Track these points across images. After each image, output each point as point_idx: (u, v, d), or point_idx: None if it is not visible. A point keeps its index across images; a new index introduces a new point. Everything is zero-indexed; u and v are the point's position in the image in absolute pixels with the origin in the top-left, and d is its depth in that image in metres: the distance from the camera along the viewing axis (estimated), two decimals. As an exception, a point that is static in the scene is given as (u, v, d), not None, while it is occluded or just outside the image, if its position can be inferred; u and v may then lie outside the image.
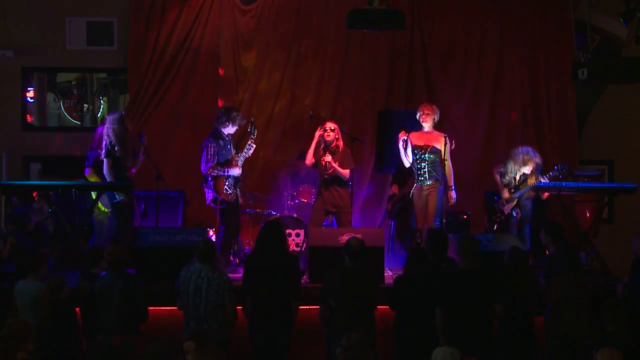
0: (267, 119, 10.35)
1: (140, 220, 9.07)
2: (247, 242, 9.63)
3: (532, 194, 9.15)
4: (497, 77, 10.71)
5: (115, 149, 8.60)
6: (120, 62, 10.53)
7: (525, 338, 6.58)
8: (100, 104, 10.94)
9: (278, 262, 6.56)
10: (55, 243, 8.76)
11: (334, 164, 8.83)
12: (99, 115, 10.96)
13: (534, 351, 6.63)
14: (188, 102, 10.39)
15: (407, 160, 8.84)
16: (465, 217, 9.88)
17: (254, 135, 8.78)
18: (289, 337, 6.64)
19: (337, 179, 8.90)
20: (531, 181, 9.03)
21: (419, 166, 8.80)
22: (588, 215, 9.97)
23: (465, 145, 10.44)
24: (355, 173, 9.45)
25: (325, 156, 8.88)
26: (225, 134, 8.81)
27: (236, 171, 8.76)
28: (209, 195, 8.82)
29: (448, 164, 8.73)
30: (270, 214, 9.65)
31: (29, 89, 10.74)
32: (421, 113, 8.83)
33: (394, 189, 9.92)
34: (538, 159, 9.11)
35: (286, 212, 9.67)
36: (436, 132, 8.89)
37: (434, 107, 8.92)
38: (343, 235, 7.94)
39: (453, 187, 8.79)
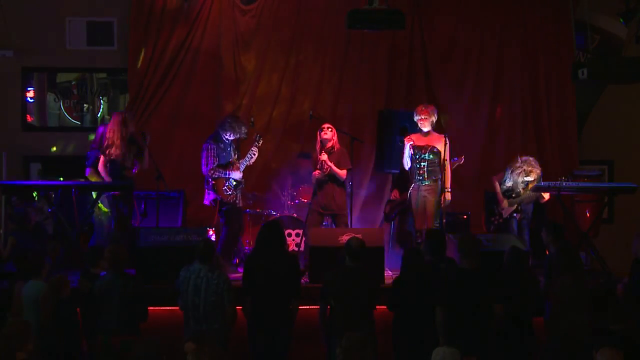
0: (267, 118, 10.35)
1: (140, 220, 9.07)
2: (247, 242, 9.63)
3: (533, 198, 9.16)
4: (497, 77, 10.71)
5: (111, 150, 8.61)
6: (120, 62, 10.53)
7: (525, 338, 6.58)
8: (100, 104, 10.94)
9: (278, 262, 6.57)
10: (55, 243, 8.75)
11: (329, 163, 8.84)
12: (99, 115, 10.95)
13: (533, 351, 6.62)
14: (188, 102, 10.38)
15: (408, 162, 8.85)
16: (465, 217, 9.88)
17: (258, 143, 8.81)
18: (289, 337, 6.64)
19: (332, 180, 8.91)
20: (532, 186, 9.06)
21: (417, 166, 8.81)
22: (588, 215, 9.98)
23: (465, 145, 10.44)
24: (355, 173, 9.46)
25: (321, 155, 8.88)
26: (226, 137, 8.82)
27: (237, 175, 8.76)
28: (210, 196, 8.83)
29: (447, 165, 8.74)
30: (270, 214, 9.65)
31: (29, 89, 10.73)
32: (419, 117, 8.83)
33: (395, 194, 9.92)
34: (538, 169, 9.13)
35: (286, 212, 9.67)
36: (436, 134, 8.91)
37: (431, 109, 8.90)
38: (343, 235, 7.95)
39: (449, 189, 8.79)
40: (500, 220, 9.20)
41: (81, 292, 6.58)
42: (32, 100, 10.81)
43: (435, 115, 8.91)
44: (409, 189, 9.00)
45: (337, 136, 9.12)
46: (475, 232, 9.42)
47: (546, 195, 9.15)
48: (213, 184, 8.75)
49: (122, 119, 8.76)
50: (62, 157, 10.46)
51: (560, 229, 7.38)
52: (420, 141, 8.83)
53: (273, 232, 6.74)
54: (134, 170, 8.93)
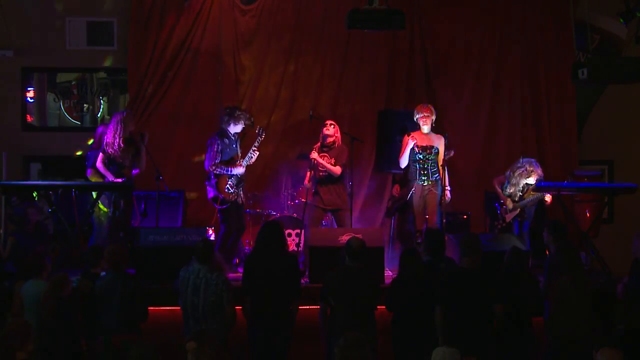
0: (267, 118, 10.34)
1: (140, 220, 9.07)
2: (247, 242, 9.62)
3: (536, 202, 9.16)
4: (497, 77, 10.71)
5: (110, 149, 8.63)
6: (120, 62, 10.53)
7: (525, 338, 6.58)
8: (100, 104, 10.94)
9: (278, 262, 6.57)
10: (55, 243, 8.75)
11: (319, 160, 8.84)
12: (99, 115, 10.95)
13: (533, 351, 6.62)
14: (188, 102, 10.38)
15: (406, 160, 8.86)
16: (465, 217, 9.88)
17: (261, 137, 8.81)
18: (288, 337, 6.64)
19: (331, 178, 8.92)
20: (534, 192, 9.07)
21: (422, 166, 8.82)
22: (588, 215, 9.98)
23: (465, 145, 10.45)
24: (355, 173, 9.46)
25: (311, 153, 8.90)
26: (232, 132, 8.82)
27: (240, 170, 8.77)
28: (210, 193, 8.84)
29: (444, 166, 8.75)
30: (270, 214, 9.65)
31: (29, 89, 10.73)
32: (420, 116, 8.87)
33: (396, 189, 9.92)
34: (540, 171, 9.13)
35: (286, 212, 9.67)
36: (434, 134, 8.95)
37: (431, 108, 8.94)
38: (343, 235, 7.96)
39: (448, 187, 8.80)
40: (504, 225, 9.21)
41: (81, 292, 6.58)
42: (32, 100, 10.81)
43: (435, 115, 8.93)
44: (409, 187, 9.01)
45: (340, 133, 9.12)
46: (475, 232, 9.44)
47: (548, 198, 9.15)
48: (215, 181, 8.75)
49: (121, 118, 8.77)
50: (62, 157, 10.45)
51: (562, 229, 7.38)
52: (422, 141, 8.84)
53: (273, 232, 6.74)
54: (133, 172, 8.93)
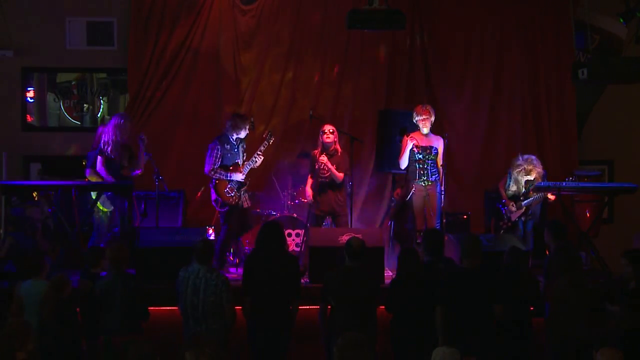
0: (267, 119, 10.34)
1: (140, 220, 9.07)
2: (247, 242, 9.62)
3: (540, 200, 9.15)
4: (497, 77, 10.70)
5: (108, 148, 8.64)
6: (120, 62, 10.53)
7: (525, 338, 6.58)
8: (100, 104, 10.94)
9: (278, 262, 6.57)
10: (55, 243, 8.76)
11: (329, 165, 8.86)
12: (99, 115, 10.95)
13: (533, 351, 6.63)
14: (188, 102, 10.38)
15: (406, 161, 8.87)
16: (465, 217, 9.88)
17: (268, 142, 8.81)
18: (288, 337, 6.64)
19: (332, 183, 8.93)
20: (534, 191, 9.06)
21: (421, 166, 8.82)
22: (588, 215, 9.98)
23: (465, 145, 10.46)
24: (355, 173, 9.46)
25: (321, 157, 8.90)
26: (234, 138, 8.83)
27: (239, 176, 8.76)
28: (212, 196, 8.85)
29: (444, 167, 8.76)
30: (270, 214, 9.65)
31: (29, 89, 10.73)
32: (420, 118, 8.89)
33: (397, 193, 9.91)
34: (540, 168, 9.11)
35: (286, 212, 9.67)
36: (433, 135, 8.97)
37: (430, 109, 8.94)
38: (343, 235, 7.95)
39: (443, 191, 8.80)
40: (509, 224, 9.19)
41: (81, 292, 6.58)
42: (32, 100, 10.80)
43: (434, 115, 8.93)
44: (409, 188, 9.01)
45: (338, 138, 9.14)
46: (475, 232, 9.44)
47: (552, 196, 9.14)
48: (216, 183, 8.76)
49: (119, 125, 8.77)
50: (62, 157, 10.45)
51: (562, 229, 7.38)
52: (422, 141, 8.85)
53: (273, 232, 6.74)
54: (134, 173, 8.93)
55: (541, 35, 10.74)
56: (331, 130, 9.00)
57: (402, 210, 9.62)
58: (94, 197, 8.71)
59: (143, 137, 9.00)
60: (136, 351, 4.72)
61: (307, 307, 6.99)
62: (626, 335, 5.77)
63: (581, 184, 9.39)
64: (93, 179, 8.91)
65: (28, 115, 10.76)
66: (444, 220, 8.78)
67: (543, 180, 9.10)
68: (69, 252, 8.60)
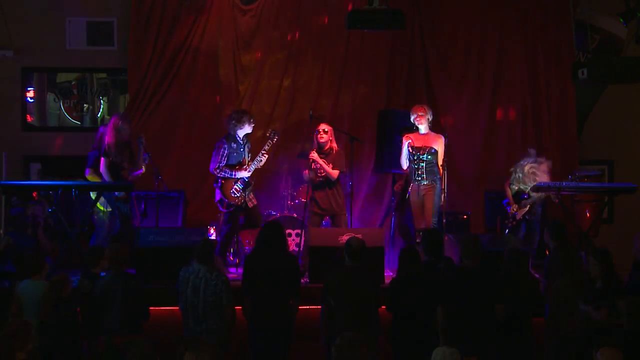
0: (267, 119, 10.34)
1: (140, 220, 9.07)
2: (247, 242, 9.63)
3: (543, 197, 9.14)
4: (497, 77, 10.70)
5: (112, 150, 8.63)
6: (120, 62, 10.53)
7: (525, 338, 6.58)
8: (100, 104, 10.94)
9: (278, 262, 6.56)
10: (55, 243, 8.76)
11: (319, 160, 8.84)
12: (99, 115, 10.96)
13: (533, 351, 6.62)
14: (188, 102, 10.39)
15: (406, 162, 8.87)
16: (465, 217, 9.88)
17: (272, 141, 8.80)
18: (289, 337, 6.64)
19: (329, 182, 8.93)
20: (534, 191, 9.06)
21: (416, 166, 8.82)
22: (588, 215, 9.98)
23: (465, 145, 10.45)
24: (355, 173, 9.46)
25: (312, 153, 8.89)
26: (240, 136, 8.82)
27: (244, 173, 8.75)
28: (217, 196, 8.83)
29: (444, 165, 8.75)
30: (270, 214, 9.64)
31: (29, 89, 10.73)
32: (415, 116, 8.90)
33: (398, 185, 9.90)
34: (545, 167, 9.08)
35: (286, 212, 9.67)
36: (433, 134, 8.92)
37: (426, 107, 8.95)
38: (343, 235, 7.95)
39: (445, 190, 8.79)
40: (514, 223, 9.18)
41: (81, 292, 6.58)
42: (32, 100, 10.81)
43: (431, 114, 8.93)
44: (399, 183, 9.03)
45: (335, 137, 9.13)
46: (475, 232, 9.44)
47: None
48: (222, 183, 8.75)
49: (117, 125, 8.76)
50: (62, 157, 10.45)
51: (562, 229, 7.38)
52: (418, 141, 8.84)
53: (273, 232, 6.73)
54: (135, 173, 8.92)
55: (541, 35, 10.73)
56: (325, 130, 9.00)
57: (403, 205, 9.61)
58: (93, 197, 8.70)
59: (142, 137, 8.99)
60: (136, 351, 4.71)
61: (307, 307, 6.99)
62: (628, 335, 5.76)
63: (581, 184, 9.39)
64: (94, 179, 8.91)
65: (28, 115, 10.76)
66: (444, 220, 8.77)
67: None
68: (69, 252, 8.60)
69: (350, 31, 9.48)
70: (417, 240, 8.54)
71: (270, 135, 8.93)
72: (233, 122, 8.80)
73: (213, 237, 9.22)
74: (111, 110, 10.81)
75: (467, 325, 6.11)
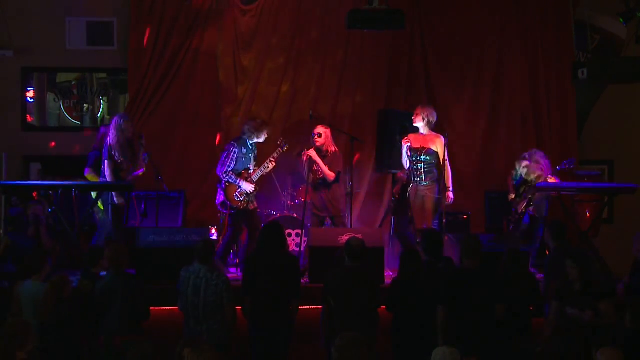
0: (267, 119, 10.32)
1: (140, 220, 9.06)
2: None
3: (544, 196, 9.13)
4: (497, 77, 10.70)
5: (114, 152, 8.62)
6: (120, 62, 10.53)
7: (525, 338, 6.58)
8: (100, 104, 10.94)
9: (278, 262, 6.57)
10: (55, 243, 8.75)
11: (317, 158, 8.83)
12: (99, 115, 10.96)
13: (533, 351, 6.62)
14: (188, 102, 10.39)
15: (407, 162, 8.88)
16: (465, 217, 9.88)
17: (282, 150, 8.82)
18: (289, 337, 6.64)
19: (326, 183, 8.94)
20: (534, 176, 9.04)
21: (415, 167, 8.83)
22: (588, 215, 9.98)
23: (465, 145, 10.45)
24: (355, 173, 9.46)
25: (309, 150, 8.88)
26: (251, 143, 8.83)
27: (249, 187, 8.76)
28: (220, 197, 8.82)
29: (447, 164, 8.74)
30: (270, 214, 9.65)
31: (29, 89, 10.73)
32: (413, 116, 8.91)
33: (397, 189, 9.91)
34: (541, 171, 9.07)
35: (286, 212, 9.67)
36: (433, 134, 8.92)
37: (425, 108, 8.94)
38: (343, 235, 7.95)
39: (451, 189, 8.78)
40: (517, 216, 9.13)
41: (82, 292, 6.58)
42: (32, 100, 10.81)
43: (432, 115, 8.89)
44: (398, 183, 9.03)
45: (335, 137, 9.14)
46: (475, 232, 9.44)
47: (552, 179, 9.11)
48: (226, 186, 8.74)
49: (119, 125, 8.75)
50: (62, 157, 10.45)
51: (562, 229, 7.38)
52: (417, 142, 8.85)
53: (273, 232, 6.74)
54: (136, 173, 8.92)
55: (541, 35, 10.73)
56: (319, 134, 9.04)
57: (402, 207, 9.61)
58: (94, 197, 8.70)
59: (142, 136, 8.98)
60: (137, 351, 4.71)
61: (307, 307, 6.98)
62: (633, 336, 5.77)
63: (581, 184, 9.40)
64: (93, 178, 8.90)
65: (28, 115, 10.76)
66: (444, 220, 8.77)
67: (548, 176, 9.06)
68: (69, 252, 8.59)
69: (350, 31, 9.48)
70: (417, 240, 8.55)
71: (280, 144, 8.96)
72: (251, 130, 8.80)
73: (214, 238, 9.23)
74: (111, 110, 10.81)
75: (467, 325, 6.11)
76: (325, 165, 8.92)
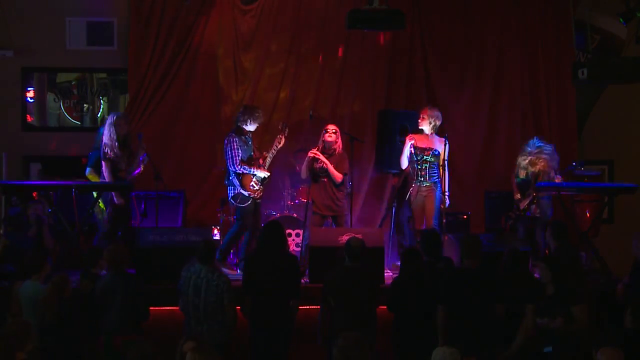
0: (267, 118, 10.31)
1: (140, 220, 9.06)
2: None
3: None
4: (497, 77, 10.70)
5: (108, 151, 8.60)
6: (120, 62, 10.53)
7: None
8: (100, 104, 10.94)
9: (278, 262, 6.57)
10: (55, 243, 8.75)
11: (323, 158, 8.81)
12: (99, 115, 10.95)
13: (533, 351, 6.62)
14: (188, 102, 10.38)
15: (406, 162, 8.87)
16: (465, 217, 9.87)
17: (284, 132, 8.78)
18: (288, 337, 6.64)
19: (330, 183, 8.91)
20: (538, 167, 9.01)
21: (419, 167, 8.82)
22: (588, 215, 9.98)
23: (465, 145, 10.45)
24: (355, 173, 9.46)
25: (314, 150, 8.86)
26: (247, 130, 8.80)
27: (263, 173, 8.72)
28: (232, 191, 8.73)
29: (445, 167, 8.74)
30: (270, 214, 9.64)
31: (29, 89, 10.73)
32: (419, 117, 8.91)
33: (394, 180, 9.88)
34: (547, 160, 9.03)
35: (286, 212, 9.66)
36: (437, 136, 8.93)
37: (432, 112, 8.90)
38: (343, 235, 7.95)
39: (447, 193, 8.77)
40: (518, 213, 9.10)
41: (82, 292, 6.59)
42: (32, 100, 10.81)
43: (438, 119, 8.87)
44: (408, 186, 9.01)
45: (339, 139, 9.12)
46: (475, 232, 9.43)
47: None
48: (240, 179, 8.68)
49: (113, 121, 8.73)
50: (62, 157, 10.45)
51: (563, 229, 7.37)
52: (422, 142, 8.84)
53: (273, 232, 6.74)
54: (135, 172, 8.91)
55: (541, 35, 10.73)
56: (334, 130, 8.99)
57: (399, 202, 9.59)
58: (95, 196, 8.69)
59: (141, 136, 8.97)
60: (137, 351, 4.71)
61: (307, 307, 6.99)
62: (634, 336, 5.76)
63: (581, 184, 9.39)
64: (94, 178, 8.89)
65: (28, 115, 10.76)
66: (444, 220, 8.77)
67: (552, 171, 9.03)
68: (69, 252, 8.59)
69: (350, 31, 9.47)
70: (418, 239, 8.54)
71: (281, 127, 8.90)
72: (245, 116, 8.75)
73: (217, 238, 9.22)
74: (111, 110, 10.77)
75: (467, 325, 6.12)
76: (332, 164, 8.90)
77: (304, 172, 8.99)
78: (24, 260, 6.90)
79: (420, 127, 8.92)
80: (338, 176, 8.89)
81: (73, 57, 10.59)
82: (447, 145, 8.72)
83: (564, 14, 10.55)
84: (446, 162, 8.76)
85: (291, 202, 9.81)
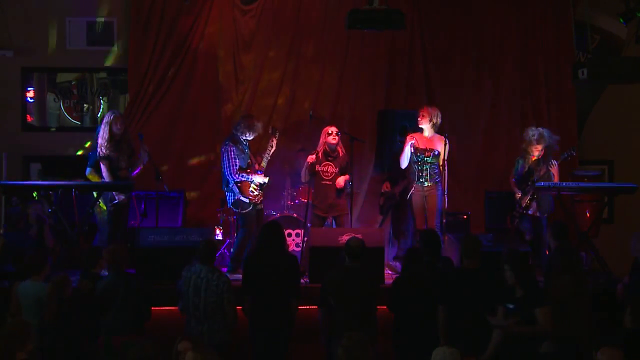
0: (267, 119, 10.33)
1: (140, 220, 9.06)
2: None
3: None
4: (497, 77, 10.71)
5: (102, 149, 8.58)
6: (120, 62, 10.53)
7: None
8: (100, 104, 10.94)
9: (278, 262, 6.57)
10: (56, 242, 8.75)
11: (340, 178, 8.85)
12: (99, 115, 10.93)
13: (533, 351, 6.61)
14: (188, 102, 10.38)
15: (406, 161, 8.86)
16: (465, 217, 9.87)
17: (275, 137, 8.79)
18: (288, 337, 6.64)
19: (332, 185, 8.92)
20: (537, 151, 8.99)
21: (420, 167, 8.82)
22: (588, 215, 9.97)
23: (465, 145, 10.45)
24: (355, 173, 9.46)
25: (311, 155, 8.86)
26: (244, 139, 8.79)
27: (262, 179, 8.71)
28: (232, 198, 8.73)
29: (445, 167, 8.73)
30: (270, 214, 9.64)
31: (29, 89, 10.73)
32: (418, 116, 8.89)
33: (386, 186, 9.88)
34: (546, 142, 9.00)
35: (286, 212, 9.66)
36: (437, 135, 8.91)
37: (431, 110, 8.91)
38: (343, 235, 7.95)
39: (445, 192, 8.77)
40: (520, 211, 9.08)
41: (82, 292, 6.58)
42: (32, 100, 10.80)
43: (437, 117, 8.88)
44: (398, 183, 9.00)
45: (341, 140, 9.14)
46: (475, 232, 9.43)
47: (554, 173, 9.06)
48: (239, 186, 8.67)
49: (108, 120, 8.71)
50: (62, 157, 10.45)
51: (563, 229, 7.37)
52: (422, 142, 8.84)
53: (273, 232, 6.74)
54: (135, 172, 8.91)
55: (541, 35, 10.74)
56: (336, 132, 9.00)
57: (396, 209, 9.60)
58: (95, 196, 8.69)
59: (141, 137, 8.96)
60: (137, 351, 4.71)
61: (307, 307, 6.99)
62: (633, 335, 5.76)
63: (581, 184, 9.39)
64: (94, 178, 8.89)
65: (28, 115, 10.76)
66: (444, 220, 8.77)
67: (551, 153, 9.00)
68: (69, 252, 8.59)
69: (350, 31, 9.47)
70: (418, 239, 8.54)
71: (272, 132, 8.90)
72: (243, 127, 8.73)
73: (220, 238, 9.20)
74: (110, 110, 10.78)
75: (467, 325, 6.11)
76: (337, 167, 8.92)
77: (304, 176, 9.00)
78: (24, 260, 6.89)
79: (420, 126, 8.92)
80: (343, 179, 8.91)
81: (73, 57, 10.59)
82: (447, 145, 8.72)
83: (564, 14, 10.57)
84: (446, 162, 8.75)
85: (291, 202, 9.81)
